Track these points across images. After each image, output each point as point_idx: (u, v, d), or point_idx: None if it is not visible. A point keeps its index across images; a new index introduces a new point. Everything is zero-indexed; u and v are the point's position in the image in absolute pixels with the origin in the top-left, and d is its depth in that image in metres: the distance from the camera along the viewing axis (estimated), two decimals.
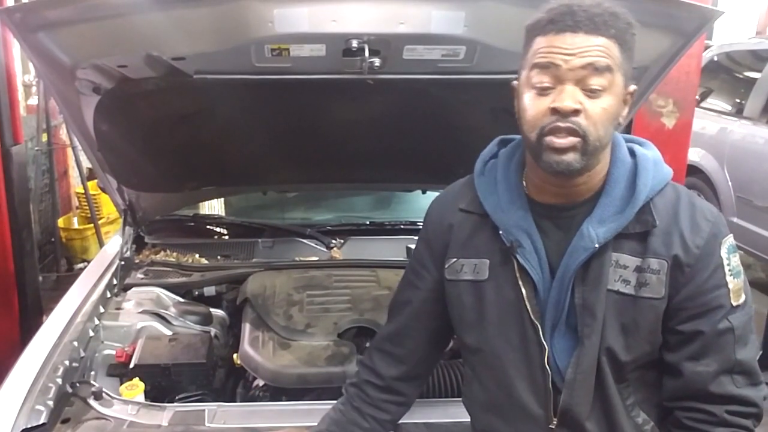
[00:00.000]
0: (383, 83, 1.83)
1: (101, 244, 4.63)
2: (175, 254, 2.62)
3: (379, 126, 2.26)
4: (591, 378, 1.23)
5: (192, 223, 2.95)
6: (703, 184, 5.26)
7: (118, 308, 2.12)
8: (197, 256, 2.63)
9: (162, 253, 2.63)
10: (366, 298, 2.19)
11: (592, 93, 1.12)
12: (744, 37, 7.17)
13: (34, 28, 1.61)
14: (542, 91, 1.13)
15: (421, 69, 1.82)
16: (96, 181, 3.85)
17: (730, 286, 1.20)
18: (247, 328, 2.02)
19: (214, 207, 3.36)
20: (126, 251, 2.43)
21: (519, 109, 1.19)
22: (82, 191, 4.98)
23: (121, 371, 1.88)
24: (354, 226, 2.96)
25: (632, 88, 1.20)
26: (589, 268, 1.20)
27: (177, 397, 1.82)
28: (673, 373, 1.24)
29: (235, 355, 1.98)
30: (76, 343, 1.81)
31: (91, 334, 1.94)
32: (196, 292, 2.39)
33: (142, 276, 2.39)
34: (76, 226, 5.17)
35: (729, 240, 1.23)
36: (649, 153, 1.25)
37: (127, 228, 2.48)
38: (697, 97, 3.93)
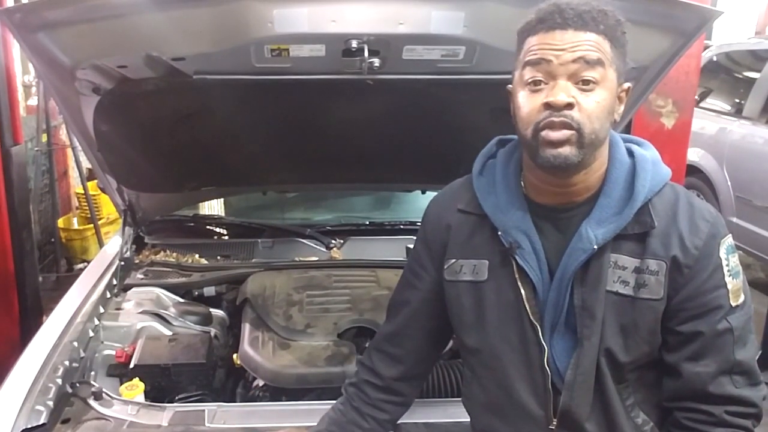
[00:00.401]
0: (383, 83, 1.83)
1: (101, 244, 4.63)
2: (174, 254, 2.63)
3: (378, 126, 2.26)
4: (590, 379, 1.23)
5: (192, 224, 2.95)
6: (702, 184, 5.26)
7: (118, 308, 2.13)
8: (197, 256, 2.63)
9: (162, 253, 2.63)
10: (366, 298, 2.20)
11: (584, 86, 1.12)
12: (743, 37, 7.18)
13: (33, 28, 1.61)
14: (535, 88, 1.14)
15: (421, 69, 1.82)
16: (96, 181, 3.85)
17: (729, 286, 1.20)
18: (246, 329, 2.03)
19: (214, 207, 3.37)
20: (126, 251, 2.43)
21: (514, 108, 1.19)
22: (82, 191, 4.98)
23: (121, 371, 1.88)
24: (353, 226, 2.96)
25: (626, 85, 1.20)
26: (588, 269, 1.20)
27: (177, 398, 1.82)
28: (672, 373, 1.24)
29: (234, 356, 1.98)
30: (76, 344, 1.81)
31: (91, 334, 1.94)
32: (196, 293, 2.39)
33: (141, 276, 2.39)
34: (76, 226, 5.17)
35: (728, 240, 1.23)
36: (648, 153, 1.25)
37: (126, 228, 2.48)
38: (696, 97, 3.93)
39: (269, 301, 2.17)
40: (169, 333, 2.04)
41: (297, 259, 2.65)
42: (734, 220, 4.89)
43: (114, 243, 2.53)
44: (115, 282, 2.28)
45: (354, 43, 1.66)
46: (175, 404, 1.72)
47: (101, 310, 2.08)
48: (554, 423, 1.25)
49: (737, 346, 1.21)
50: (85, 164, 4.72)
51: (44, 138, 4.72)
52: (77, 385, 1.68)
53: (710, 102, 5.63)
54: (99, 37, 1.67)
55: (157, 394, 1.81)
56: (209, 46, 1.69)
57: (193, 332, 2.07)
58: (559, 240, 1.24)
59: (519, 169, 1.29)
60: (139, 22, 1.61)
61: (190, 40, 1.69)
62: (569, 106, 1.11)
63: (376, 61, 1.72)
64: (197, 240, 2.83)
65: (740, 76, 5.75)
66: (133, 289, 2.26)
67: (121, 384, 1.78)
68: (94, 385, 1.68)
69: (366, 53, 1.67)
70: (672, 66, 1.83)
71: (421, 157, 2.47)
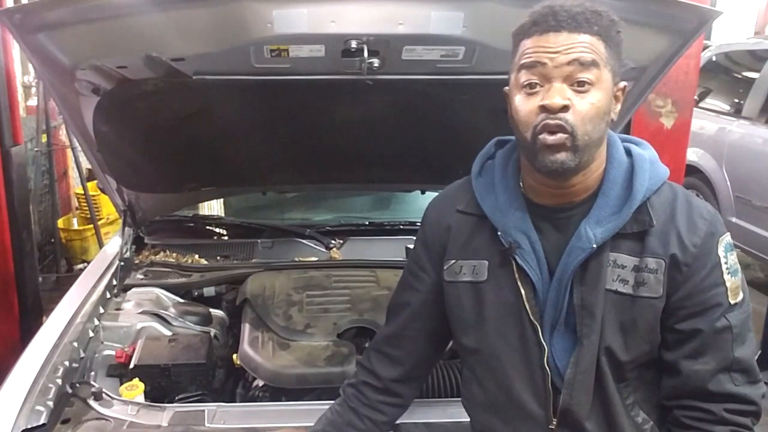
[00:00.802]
0: (382, 84, 1.83)
1: (101, 244, 4.63)
2: (174, 255, 2.63)
3: (378, 126, 2.26)
4: (590, 378, 1.23)
5: (191, 224, 2.95)
6: (701, 183, 5.26)
7: (118, 309, 2.13)
8: (197, 256, 2.63)
9: (162, 253, 2.64)
10: (365, 298, 2.20)
11: (580, 88, 1.12)
12: (742, 37, 7.19)
13: (33, 29, 1.61)
14: (531, 91, 1.15)
15: (420, 69, 1.82)
16: (95, 181, 3.85)
17: (728, 284, 1.21)
18: (246, 329, 2.03)
19: (214, 207, 3.37)
20: (126, 252, 2.43)
21: (511, 111, 1.20)
22: (82, 192, 4.98)
23: (120, 372, 1.88)
24: (353, 226, 2.96)
25: (622, 84, 1.21)
26: (587, 268, 1.21)
27: (177, 398, 1.82)
28: (671, 371, 1.24)
29: (234, 356, 1.98)
30: (76, 344, 1.81)
31: (91, 334, 1.94)
32: (196, 293, 2.39)
33: (141, 276, 2.40)
34: (75, 226, 5.17)
35: (726, 238, 1.23)
36: (646, 152, 1.25)
37: (126, 229, 2.48)
38: (695, 97, 3.93)
39: (269, 301, 2.17)
40: (169, 333, 2.04)
41: (297, 259, 2.65)
42: (733, 219, 4.89)
43: (114, 243, 2.54)
44: (114, 282, 2.28)
45: (353, 44, 1.66)
46: (175, 404, 1.72)
47: (101, 310, 2.08)
48: (554, 422, 1.25)
49: (736, 344, 1.21)
50: (85, 165, 4.73)
51: (44, 138, 4.72)
52: (77, 385, 1.68)
53: (709, 102, 5.63)
54: (99, 37, 1.67)
55: (157, 395, 1.82)
56: (209, 46, 1.69)
57: (193, 332, 2.07)
58: (559, 239, 1.24)
59: (518, 170, 1.29)
60: (138, 23, 1.62)
61: (189, 41, 1.69)
62: (564, 108, 1.12)
63: (376, 62, 1.72)
64: (197, 240, 2.83)
65: (739, 76, 5.76)
66: (133, 290, 2.26)
67: (121, 384, 1.78)
68: (94, 386, 1.68)
69: (365, 53, 1.67)
70: (671, 66, 1.84)
71: (420, 158, 2.47)
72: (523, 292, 1.25)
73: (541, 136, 1.13)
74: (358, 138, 2.33)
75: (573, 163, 1.14)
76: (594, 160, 1.20)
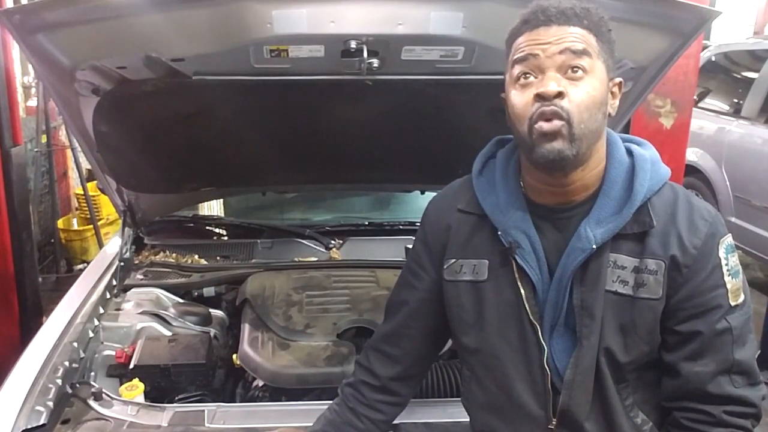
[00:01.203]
0: (382, 84, 1.83)
1: (101, 245, 4.63)
2: (174, 255, 2.63)
3: (377, 127, 2.26)
4: (590, 378, 1.23)
5: (191, 224, 2.95)
6: (701, 183, 5.26)
7: (118, 309, 2.13)
8: (196, 256, 2.63)
9: (161, 254, 2.64)
10: (365, 298, 2.20)
11: (573, 75, 1.13)
12: (741, 37, 7.19)
13: (33, 29, 1.61)
14: (525, 81, 1.16)
15: (420, 70, 1.83)
16: (95, 182, 3.85)
17: (729, 286, 1.21)
18: (246, 329, 2.03)
19: (213, 208, 3.37)
20: (125, 252, 2.43)
21: (508, 107, 1.20)
22: (82, 192, 4.98)
23: (120, 372, 1.89)
24: (353, 226, 2.96)
25: (618, 80, 1.21)
26: (587, 268, 1.21)
27: (177, 398, 1.82)
28: (671, 373, 1.24)
29: (234, 356, 1.98)
30: (75, 344, 1.81)
31: (91, 334, 1.95)
32: (196, 293, 2.39)
33: (141, 277, 2.40)
34: (75, 227, 5.17)
35: (727, 240, 1.23)
36: (647, 153, 1.25)
37: (126, 229, 2.48)
38: (695, 97, 3.93)
39: (269, 301, 2.17)
40: (168, 333, 2.04)
41: (296, 259, 2.65)
42: (733, 219, 4.89)
43: (113, 244, 2.53)
44: (114, 282, 2.28)
45: (353, 44, 1.66)
46: (174, 404, 1.72)
47: (101, 310, 2.08)
48: (553, 422, 1.25)
49: (736, 346, 1.21)
50: (85, 165, 4.73)
51: (44, 139, 4.72)
52: (77, 385, 1.68)
53: (709, 102, 5.63)
54: (98, 38, 1.67)
55: (156, 395, 1.82)
56: (208, 46, 1.69)
57: (193, 333, 2.07)
58: (559, 240, 1.24)
59: (518, 169, 1.29)
60: (138, 23, 1.62)
61: (189, 41, 1.69)
62: (559, 95, 1.12)
63: (375, 62, 1.72)
64: (197, 240, 2.83)
65: (739, 76, 5.76)
66: (133, 290, 2.26)
67: (121, 384, 1.78)
68: (94, 386, 1.68)
69: (365, 54, 1.67)
70: (671, 66, 1.83)
71: (419, 158, 2.47)
72: (523, 291, 1.25)
73: (536, 126, 1.13)
74: (357, 138, 2.33)
75: (570, 153, 1.14)
76: (592, 156, 1.20)
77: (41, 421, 1.51)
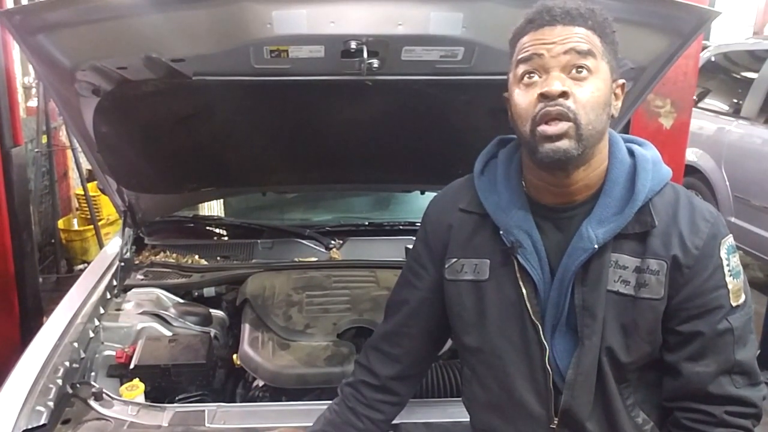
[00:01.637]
0: (382, 84, 1.83)
1: (101, 245, 4.63)
2: (174, 255, 2.63)
3: (377, 127, 2.26)
4: (591, 378, 1.23)
5: (191, 224, 2.95)
6: (700, 184, 5.26)
7: (118, 309, 2.13)
8: (197, 257, 2.63)
9: (162, 254, 2.63)
10: (365, 298, 2.20)
11: (578, 75, 1.13)
12: (741, 37, 7.19)
13: (33, 30, 1.61)
14: (529, 81, 1.16)
15: (420, 70, 1.83)
16: (96, 182, 3.85)
17: (730, 286, 1.21)
18: (246, 329, 2.03)
19: (214, 208, 3.37)
20: (126, 252, 2.43)
21: (511, 107, 1.20)
22: (82, 193, 4.98)
23: (121, 372, 1.89)
24: (353, 226, 2.96)
25: (621, 81, 1.21)
26: (588, 268, 1.21)
27: (177, 398, 1.82)
28: (672, 373, 1.25)
29: (234, 356, 1.98)
30: (76, 344, 1.81)
31: (92, 335, 1.94)
32: (196, 293, 2.39)
33: (141, 277, 2.39)
34: (76, 227, 5.17)
35: (728, 240, 1.23)
36: (648, 153, 1.25)
37: (126, 229, 2.48)
38: (694, 97, 3.93)
39: (269, 301, 2.17)
40: (169, 334, 2.04)
41: (296, 259, 2.65)
42: (732, 219, 4.89)
43: (114, 244, 2.53)
44: (115, 283, 2.28)
45: (353, 44, 1.66)
46: (175, 405, 1.72)
47: (101, 310, 2.08)
48: (555, 422, 1.26)
49: (737, 346, 1.21)
50: (85, 165, 4.73)
51: (44, 139, 4.72)
52: (78, 385, 1.68)
53: (708, 102, 5.63)
54: (98, 38, 1.67)
55: (157, 395, 1.82)
56: (208, 47, 1.69)
57: (193, 333, 2.07)
58: (560, 239, 1.24)
59: (520, 169, 1.29)
60: (138, 24, 1.62)
61: (189, 42, 1.69)
62: (564, 95, 1.12)
63: (375, 62, 1.72)
64: (197, 241, 2.82)
65: (738, 76, 5.76)
66: (133, 290, 2.26)
67: (122, 384, 1.78)
68: (94, 386, 1.68)
69: (365, 54, 1.67)
70: (670, 66, 1.84)
71: (419, 158, 2.47)
72: (524, 291, 1.25)
73: (540, 128, 1.13)
74: (357, 138, 2.33)
75: (576, 152, 1.14)
76: (595, 156, 1.20)
77: (42, 421, 1.51)
